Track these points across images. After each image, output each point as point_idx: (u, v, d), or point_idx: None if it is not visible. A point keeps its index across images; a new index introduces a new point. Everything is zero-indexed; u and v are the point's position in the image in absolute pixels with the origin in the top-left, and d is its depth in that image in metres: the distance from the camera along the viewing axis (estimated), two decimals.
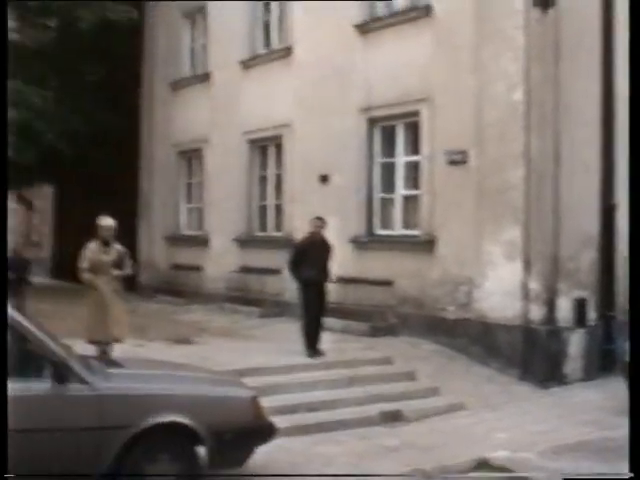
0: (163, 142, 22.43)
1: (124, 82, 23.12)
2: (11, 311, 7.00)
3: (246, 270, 18.98)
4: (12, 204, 34.17)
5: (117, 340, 11.08)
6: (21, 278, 15.84)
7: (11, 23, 23.86)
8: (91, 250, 11.12)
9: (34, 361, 6.94)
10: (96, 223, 11.22)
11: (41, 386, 6.86)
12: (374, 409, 10.97)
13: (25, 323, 7.02)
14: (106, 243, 11.15)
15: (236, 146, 19.39)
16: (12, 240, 19.02)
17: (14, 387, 6.66)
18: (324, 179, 16.71)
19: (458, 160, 13.93)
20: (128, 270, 11.44)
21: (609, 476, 8.06)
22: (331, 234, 13.75)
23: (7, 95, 8.05)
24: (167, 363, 9.32)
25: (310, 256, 12.85)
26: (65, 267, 25.11)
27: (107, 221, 11.18)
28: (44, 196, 32.04)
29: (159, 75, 22.78)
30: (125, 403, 7.15)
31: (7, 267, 10.92)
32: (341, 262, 14.68)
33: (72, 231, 25.75)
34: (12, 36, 24.09)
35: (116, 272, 11.19)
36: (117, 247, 11.30)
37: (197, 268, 20.75)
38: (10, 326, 6.89)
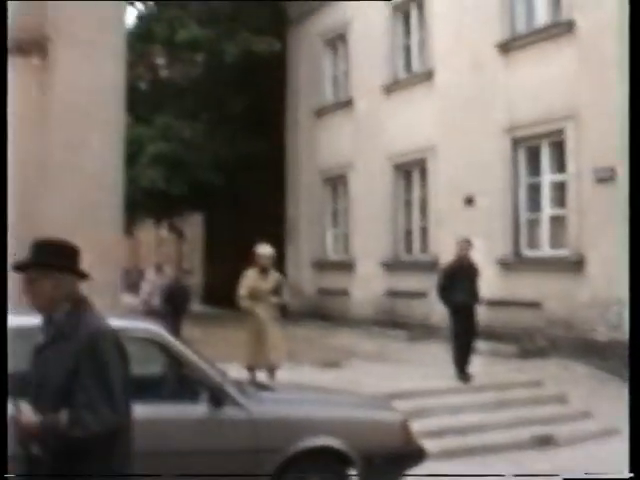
0: (308, 168, 22.76)
1: (268, 111, 23.62)
2: (169, 337, 7.26)
3: (393, 294, 19.04)
4: (164, 233, 35.30)
5: (275, 366, 11.24)
6: (180, 306, 16.14)
7: (160, 60, 24.90)
8: (250, 278, 11.33)
9: (191, 385, 7.13)
10: (254, 251, 11.42)
11: (198, 410, 7.03)
12: (524, 433, 10.81)
13: (182, 349, 7.25)
14: (264, 271, 11.35)
15: (380, 171, 19.53)
16: (171, 269, 19.60)
17: (171, 410, 6.92)
18: (469, 201, 16.64)
19: (606, 177, 13.66)
20: (286, 297, 11.60)
21: (609, 476, 7.81)
22: (477, 256, 13.66)
23: (7, 96, 8.10)
24: (317, 387, 9.44)
25: (458, 280, 12.67)
26: (216, 294, 25.78)
27: (266, 249, 11.37)
28: (194, 224, 32.79)
29: (302, 102, 23.16)
30: (278, 427, 7.25)
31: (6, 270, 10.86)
32: (488, 284, 14.54)
33: (222, 258, 26.38)
34: (162, 73, 25.12)
35: (274, 299, 11.39)
36: (275, 275, 11.48)
37: (344, 292, 20.92)
38: (168, 352, 7.16)
